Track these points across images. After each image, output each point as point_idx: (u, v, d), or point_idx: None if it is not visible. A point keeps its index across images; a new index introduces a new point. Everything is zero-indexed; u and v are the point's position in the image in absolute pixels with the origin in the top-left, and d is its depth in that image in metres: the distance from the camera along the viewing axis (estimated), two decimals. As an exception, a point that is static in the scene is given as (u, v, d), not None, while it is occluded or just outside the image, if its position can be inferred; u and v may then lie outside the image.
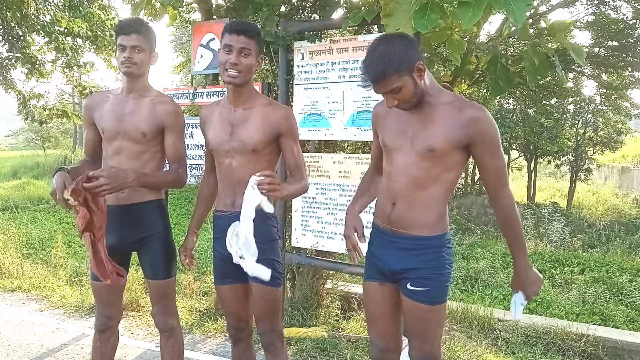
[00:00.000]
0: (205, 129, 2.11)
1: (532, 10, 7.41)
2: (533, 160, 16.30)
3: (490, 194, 1.79)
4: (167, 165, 2.26)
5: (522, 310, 1.84)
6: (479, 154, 1.72)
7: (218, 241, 2.09)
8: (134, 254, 2.30)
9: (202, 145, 3.91)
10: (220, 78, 2.02)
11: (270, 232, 2.05)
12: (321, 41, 3.42)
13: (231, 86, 1.98)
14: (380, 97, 1.82)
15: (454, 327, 4.16)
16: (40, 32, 8.53)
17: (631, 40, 9.54)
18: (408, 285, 1.82)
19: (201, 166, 3.88)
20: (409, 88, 1.68)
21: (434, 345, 1.86)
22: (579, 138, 15.46)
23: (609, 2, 9.60)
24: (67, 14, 8.49)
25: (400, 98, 1.70)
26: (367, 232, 1.95)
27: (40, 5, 8.38)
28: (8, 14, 8.06)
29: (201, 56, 3.90)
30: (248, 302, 2.12)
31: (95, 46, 9.01)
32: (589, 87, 31.01)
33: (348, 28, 3.38)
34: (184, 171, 2.21)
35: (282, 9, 3.97)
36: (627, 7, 9.54)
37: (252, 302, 2.08)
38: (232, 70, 1.92)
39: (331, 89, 3.38)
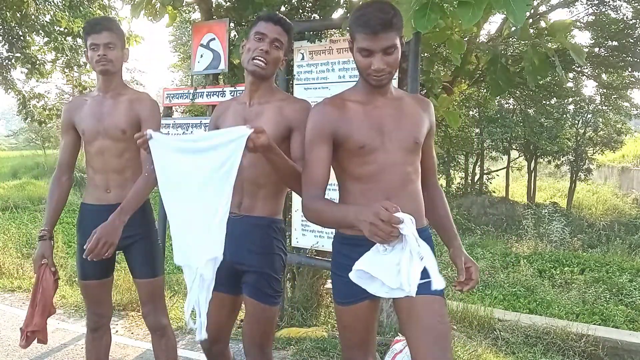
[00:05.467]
0: (218, 124, 1.95)
1: (532, 10, 7.41)
2: (533, 160, 16.31)
3: (431, 179, 1.83)
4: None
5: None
6: (429, 141, 1.76)
7: None
8: (121, 255, 2.29)
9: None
10: (244, 67, 1.87)
11: (272, 243, 1.85)
12: (321, 41, 3.42)
13: (251, 78, 1.84)
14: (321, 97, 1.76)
15: (454, 327, 4.16)
16: (40, 32, 8.55)
17: (631, 40, 9.55)
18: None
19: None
20: (398, 55, 1.58)
21: (450, 348, 1.64)
22: (579, 138, 15.47)
23: (609, 2, 9.60)
24: (67, 14, 8.50)
25: (391, 62, 1.57)
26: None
27: (40, 5, 8.38)
28: (8, 14, 8.07)
29: (201, 56, 3.89)
30: (232, 315, 1.98)
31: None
32: (589, 87, 30.96)
33: (348, 28, 3.38)
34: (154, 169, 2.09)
35: (282, 9, 3.97)
36: (627, 7, 9.55)
37: (245, 320, 1.89)
38: (260, 58, 1.77)
39: (331, 89, 3.37)
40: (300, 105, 1.86)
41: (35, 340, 2.19)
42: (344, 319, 1.73)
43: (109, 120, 2.12)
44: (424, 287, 1.49)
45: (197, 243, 1.66)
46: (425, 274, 1.42)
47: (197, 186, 1.65)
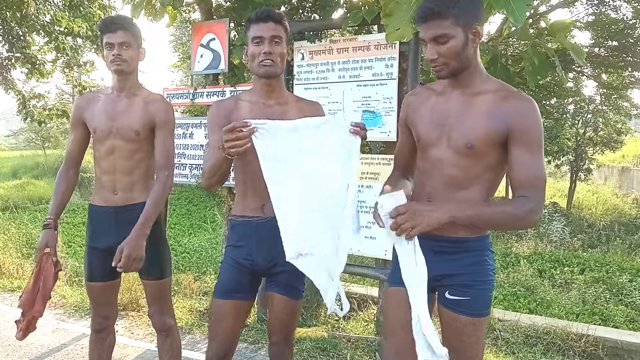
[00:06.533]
0: (231, 120, 1.76)
1: (532, 10, 7.41)
2: (533, 160, 16.28)
3: (516, 192, 1.48)
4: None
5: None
6: (515, 149, 1.46)
7: (238, 250, 1.88)
8: None
9: (202, 145, 3.91)
10: (249, 73, 1.89)
11: None
12: (321, 41, 3.42)
13: (264, 80, 1.82)
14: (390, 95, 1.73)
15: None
16: (40, 32, 8.55)
17: (631, 40, 9.55)
18: (446, 294, 1.61)
19: (201, 166, 3.88)
20: (457, 43, 1.46)
21: None
22: (579, 138, 15.45)
23: (609, 2, 9.61)
24: (67, 13, 8.51)
25: (444, 52, 1.47)
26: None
27: (40, 5, 8.38)
28: (8, 14, 8.08)
29: (201, 56, 3.89)
30: (243, 322, 2.00)
31: (95, 46, 9.04)
32: (589, 87, 31.09)
33: (348, 28, 3.38)
34: (170, 174, 2.14)
35: (282, 9, 3.97)
36: (627, 7, 9.56)
37: (272, 314, 1.94)
38: (267, 59, 1.76)
39: (331, 89, 3.38)
40: (316, 106, 1.95)
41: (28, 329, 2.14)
42: (385, 301, 1.80)
43: (122, 120, 2.11)
44: (463, 305, 1.59)
45: (327, 225, 1.69)
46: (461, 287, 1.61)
47: (317, 171, 1.67)
